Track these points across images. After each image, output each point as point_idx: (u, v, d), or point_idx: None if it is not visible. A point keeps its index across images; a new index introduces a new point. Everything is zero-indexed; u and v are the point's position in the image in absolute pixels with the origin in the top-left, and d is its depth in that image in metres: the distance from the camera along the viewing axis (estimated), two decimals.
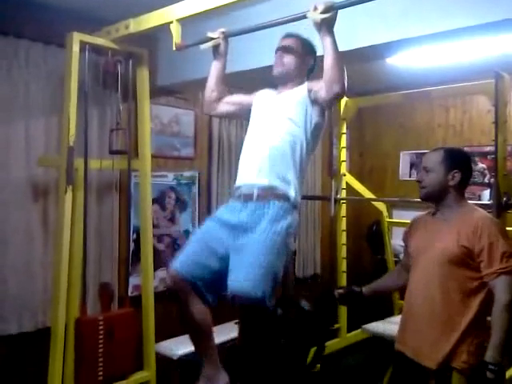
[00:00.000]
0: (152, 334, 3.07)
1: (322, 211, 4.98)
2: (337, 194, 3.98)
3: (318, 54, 2.00)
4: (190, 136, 3.93)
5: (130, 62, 3.04)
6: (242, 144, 2.23)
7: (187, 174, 3.89)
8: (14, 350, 2.95)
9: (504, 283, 1.86)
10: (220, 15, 2.46)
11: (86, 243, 2.90)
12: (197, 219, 3.95)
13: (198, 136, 3.98)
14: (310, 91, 2.07)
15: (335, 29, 1.88)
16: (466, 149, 4.65)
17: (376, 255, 4.91)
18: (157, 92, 3.40)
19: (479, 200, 4.28)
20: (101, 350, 2.77)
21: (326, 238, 4.88)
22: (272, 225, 1.96)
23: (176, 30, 2.34)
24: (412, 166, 5.07)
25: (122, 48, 2.88)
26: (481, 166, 4.61)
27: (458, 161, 2.07)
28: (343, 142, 4.07)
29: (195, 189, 3.95)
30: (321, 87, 2.00)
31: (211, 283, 2.03)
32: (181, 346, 3.11)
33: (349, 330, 4.10)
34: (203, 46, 2.30)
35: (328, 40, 1.88)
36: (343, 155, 4.06)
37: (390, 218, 4.34)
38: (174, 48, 2.36)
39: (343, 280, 4.10)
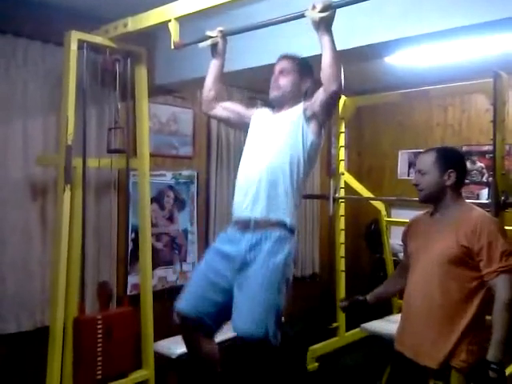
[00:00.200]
0: (150, 332, 3.07)
1: (321, 210, 4.99)
2: (335, 193, 3.99)
3: (316, 52, 1.98)
4: (189, 135, 3.93)
5: (129, 60, 3.03)
6: (240, 143, 2.23)
7: (186, 172, 3.89)
8: (12, 349, 2.95)
9: (504, 282, 1.85)
10: (219, 14, 2.46)
11: (85, 242, 2.89)
12: (195, 218, 3.95)
13: (197, 135, 3.98)
14: (305, 110, 2.07)
15: (333, 28, 1.88)
16: (464, 148, 4.68)
17: (374, 254, 4.92)
18: (155, 91, 3.39)
19: (477, 199, 4.29)
20: (99, 349, 2.77)
21: (325, 237, 4.89)
22: (270, 259, 1.98)
23: (174, 29, 2.34)
24: (410, 165, 5.08)
25: (121, 47, 2.87)
26: (479, 164, 4.61)
27: (452, 160, 2.05)
28: (342, 141, 4.07)
29: (194, 188, 3.95)
30: (316, 98, 2.01)
31: (217, 315, 2.07)
32: (179, 345, 3.10)
33: (347, 329, 4.11)
34: (201, 45, 2.30)
35: (326, 39, 1.88)
36: (342, 154, 4.07)
37: (388, 217, 4.35)
38: (173, 46, 2.36)
39: (342, 279, 4.11)
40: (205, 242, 4.02)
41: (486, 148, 4.40)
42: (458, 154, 2.18)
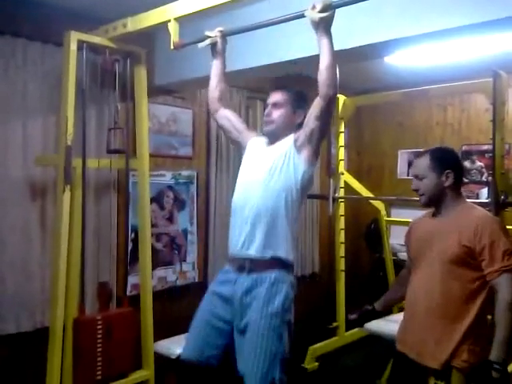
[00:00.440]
0: (150, 333, 3.07)
1: (321, 210, 4.99)
2: (335, 192, 3.99)
3: (316, 52, 1.97)
4: (188, 135, 3.93)
5: (128, 60, 3.03)
6: None
7: (185, 173, 3.89)
8: (12, 349, 2.95)
9: (507, 281, 1.85)
10: (218, 14, 2.46)
11: (84, 242, 2.89)
12: (195, 218, 3.95)
13: (196, 135, 3.98)
14: (295, 140, 2.04)
15: (333, 28, 1.87)
16: (464, 147, 4.68)
17: (374, 254, 4.92)
18: (155, 91, 3.39)
19: (477, 198, 4.29)
20: (99, 350, 2.77)
21: (325, 236, 4.89)
22: (267, 308, 1.96)
23: (174, 29, 2.34)
24: (410, 164, 5.07)
25: (120, 47, 2.87)
26: (479, 164, 4.62)
27: (447, 160, 2.04)
28: (341, 140, 4.07)
29: (193, 188, 3.95)
30: (310, 112, 1.97)
31: (223, 355, 2.06)
32: (179, 345, 3.10)
33: (347, 329, 4.11)
34: (201, 45, 2.30)
35: (325, 41, 1.87)
36: (341, 154, 4.07)
37: (388, 217, 4.34)
38: (172, 47, 2.36)
39: (342, 279, 4.11)
40: (205, 242, 4.02)
41: (485, 147, 4.40)
42: (452, 153, 2.13)
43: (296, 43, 2.45)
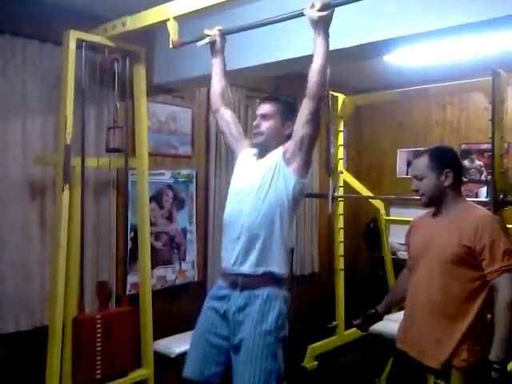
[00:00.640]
0: (150, 332, 3.07)
1: (320, 209, 4.99)
2: (334, 191, 3.99)
3: (307, 53, 1.95)
4: (188, 134, 3.93)
5: (127, 59, 3.03)
6: None
7: (185, 172, 3.89)
8: (11, 348, 2.95)
9: (507, 281, 1.85)
10: (217, 12, 2.46)
11: (84, 241, 2.89)
12: (194, 217, 3.95)
13: (196, 134, 3.98)
14: (284, 153, 2.02)
15: (332, 27, 1.87)
16: (463, 146, 4.68)
17: (373, 253, 4.92)
18: (154, 90, 3.39)
19: (476, 197, 4.29)
20: (99, 349, 2.77)
21: (324, 235, 4.89)
22: (260, 326, 1.94)
23: (173, 28, 2.34)
24: (409, 163, 5.07)
25: (119, 46, 2.87)
26: (478, 163, 4.62)
27: (446, 159, 2.04)
28: (340, 139, 4.07)
29: (193, 187, 3.95)
30: (299, 118, 1.95)
31: (225, 372, 2.05)
32: (178, 344, 3.11)
33: (346, 328, 4.11)
34: (200, 43, 2.30)
35: (322, 39, 1.85)
36: (340, 153, 4.07)
37: (387, 216, 4.35)
38: (171, 46, 2.36)
39: (341, 278, 4.11)
40: (204, 241, 4.02)
41: (484, 146, 4.40)
42: (451, 152, 2.13)
43: (296, 42, 2.45)
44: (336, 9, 1.83)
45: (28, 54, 2.90)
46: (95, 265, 3.23)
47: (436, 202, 2.04)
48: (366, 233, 4.99)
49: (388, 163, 5.30)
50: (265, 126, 2.10)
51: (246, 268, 1.99)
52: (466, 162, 4.59)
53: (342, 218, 4.08)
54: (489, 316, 2.01)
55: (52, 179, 2.95)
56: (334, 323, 4.09)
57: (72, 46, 2.67)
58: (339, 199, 4.03)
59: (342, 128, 4.06)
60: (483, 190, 4.38)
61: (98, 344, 2.77)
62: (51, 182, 2.97)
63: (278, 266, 2.00)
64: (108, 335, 2.81)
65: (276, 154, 2.04)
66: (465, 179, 4.37)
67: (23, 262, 2.92)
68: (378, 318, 2.35)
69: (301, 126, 1.95)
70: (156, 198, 3.67)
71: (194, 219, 3.95)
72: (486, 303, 1.93)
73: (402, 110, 5.09)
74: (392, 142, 5.25)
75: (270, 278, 2.00)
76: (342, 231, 4.09)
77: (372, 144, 5.47)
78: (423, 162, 2.03)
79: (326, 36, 1.86)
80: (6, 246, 2.86)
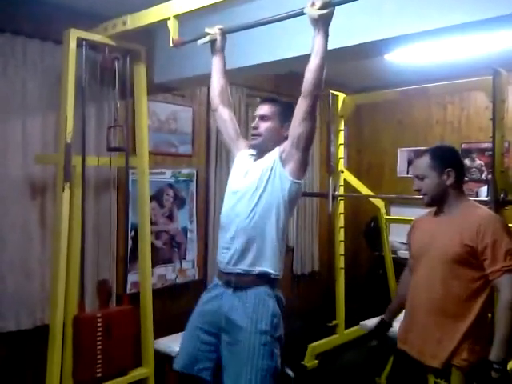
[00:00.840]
0: (150, 330, 3.08)
1: (320, 208, 4.99)
2: (335, 190, 3.99)
3: (308, 52, 1.95)
4: (188, 133, 3.93)
5: (128, 58, 3.03)
6: None
7: (185, 171, 3.89)
8: (12, 347, 2.95)
9: (508, 281, 1.84)
10: (218, 11, 2.46)
11: (84, 240, 2.89)
12: (195, 216, 3.95)
13: (196, 133, 3.98)
14: (281, 153, 2.01)
15: (332, 25, 1.86)
16: (463, 145, 4.68)
17: (374, 252, 4.92)
18: (154, 89, 3.39)
19: (477, 196, 4.29)
20: (99, 347, 2.77)
21: (324, 234, 4.89)
22: (255, 325, 1.94)
23: (173, 27, 2.33)
24: (410, 162, 5.08)
25: (120, 44, 2.87)
26: (478, 162, 4.62)
27: (448, 158, 2.03)
28: (341, 138, 4.07)
29: (193, 186, 3.95)
30: (294, 120, 1.94)
31: (216, 368, 2.06)
32: (179, 343, 3.10)
33: (347, 327, 4.11)
34: (200, 42, 2.30)
35: (321, 38, 1.84)
36: (341, 152, 4.07)
37: (387, 215, 4.34)
38: (171, 44, 2.35)
39: (341, 277, 4.11)
40: (204, 240, 4.02)
41: (485, 145, 4.40)
42: (452, 151, 2.12)
43: (296, 41, 2.44)
44: (336, 7, 1.82)
45: (28, 52, 2.90)
46: (96, 264, 3.23)
47: (438, 201, 2.04)
48: (367, 232, 4.99)
49: (388, 162, 5.30)
50: (263, 127, 2.10)
51: (241, 267, 2.00)
52: (466, 162, 4.59)
53: (342, 217, 4.08)
54: (489, 315, 2.01)
55: (52, 178, 2.95)
56: (334, 322, 4.09)
57: (72, 44, 2.67)
58: (340, 198, 4.03)
59: (342, 127, 4.05)
60: (484, 189, 4.38)
61: (99, 343, 2.77)
62: (52, 181, 2.98)
63: (272, 266, 2.00)
64: (108, 334, 2.81)
65: (273, 155, 2.04)
66: (466, 178, 4.36)
67: (24, 261, 2.93)
68: (387, 326, 2.34)
69: (297, 124, 1.94)
70: (156, 197, 3.68)
71: (195, 218, 3.95)
72: (487, 303, 1.93)
73: (402, 109, 5.09)
74: (392, 141, 5.25)
75: (263, 279, 2.00)
76: (342, 230, 4.09)
77: (372, 143, 5.46)
78: (425, 161, 2.02)
79: (326, 35, 1.85)
80: (7, 245, 2.87)
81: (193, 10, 2.26)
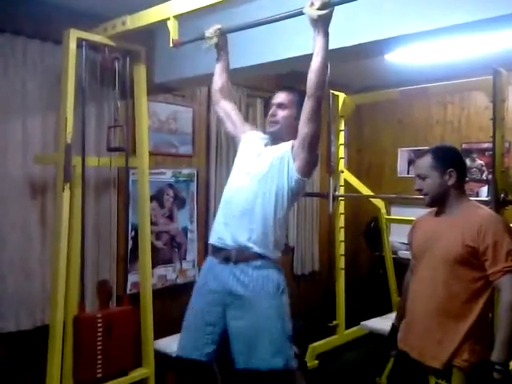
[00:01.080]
0: (150, 331, 3.08)
1: (321, 208, 4.99)
2: (335, 190, 3.99)
3: (308, 52, 1.95)
4: (188, 133, 3.92)
5: (128, 58, 3.03)
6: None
7: (185, 171, 3.89)
8: (12, 348, 2.95)
9: (510, 282, 1.84)
10: (218, 11, 2.45)
11: (84, 241, 2.89)
12: (195, 216, 3.95)
13: (196, 133, 3.98)
14: (293, 146, 2.03)
15: (333, 25, 1.86)
16: (464, 145, 4.67)
17: (374, 252, 4.92)
18: (154, 89, 3.39)
19: (477, 196, 4.29)
20: (99, 348, 2.77)
21: (325, 235, 4.88)
22: (263, 290, 1.98)
23: (173, 27, 2.33)
24: (410, 162, 5.08)
25: (120, 45, 2.87)
26: (479, 162, 4.61)
27: (449, 158, 2.03)
28: (341, 138, 4.07)
29: (193, 186, 3.95)
30: (301, 120, 1.95)
31: (218, 350, 2.07)
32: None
33: (347, 327, 4.11)
34: (204, 47, 2.30)
35: (321, 39, 1.84)
36: (341, 152, 4.07)
37: (388, 215, 4.35)
38: (171, 45, 2.35)
39: (341, 277, 4.10)
40: (204, 240, 4.01)
41: (485, 145, 4.39)
42: (454, 151, 2.12)
43: (296, 41, 2.44)
44: (336, 7, 1.82)
45: (28, 53, 2.90)
46: (96, 264, 3.23)
47: (439, 201, 2.04)
48: (367, 232, 4.98)
49: (389, 162, 5.29)
50: (280, 114, 2.11)
51: (242, 243, 2.02)
52: (467, 161, 4.58)
53: (342, 217, 4.08)
54: (490, 315, 2.00)
55: (52, 178, 2.95)
56: (334, 322, 4.09)
57: (72, 45, 2.67)
58: (340, 198, 4.03)
59: (342, 127, 4.05)
60: (484, 189, 4.38)
61: (99, 343, 2.77)
62: (52, 181, 2.97)
63: (270, 249, 2.04)
64: (108, 334, 2.81)
65: (286, 146, 2.06)
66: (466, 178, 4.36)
67: (24, 261, 2.92)
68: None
69: (303, 124, 1.96)
70: (157, 197, 3.67)
71: (195, 218, 3.95)
72: (488, 304, 1.93)
73: (402, 108, 5.08)
74: (393, 141, 5.24)
75: (262, 258, 2.03)
76: (342, 230, 4.08)
77: (373, 143, 5.46)
78: (426, 161, 2.02)
79: (326, 35, 1.85)
80: (7, 245, 2.87)
81: (192, 10, 2.26)
